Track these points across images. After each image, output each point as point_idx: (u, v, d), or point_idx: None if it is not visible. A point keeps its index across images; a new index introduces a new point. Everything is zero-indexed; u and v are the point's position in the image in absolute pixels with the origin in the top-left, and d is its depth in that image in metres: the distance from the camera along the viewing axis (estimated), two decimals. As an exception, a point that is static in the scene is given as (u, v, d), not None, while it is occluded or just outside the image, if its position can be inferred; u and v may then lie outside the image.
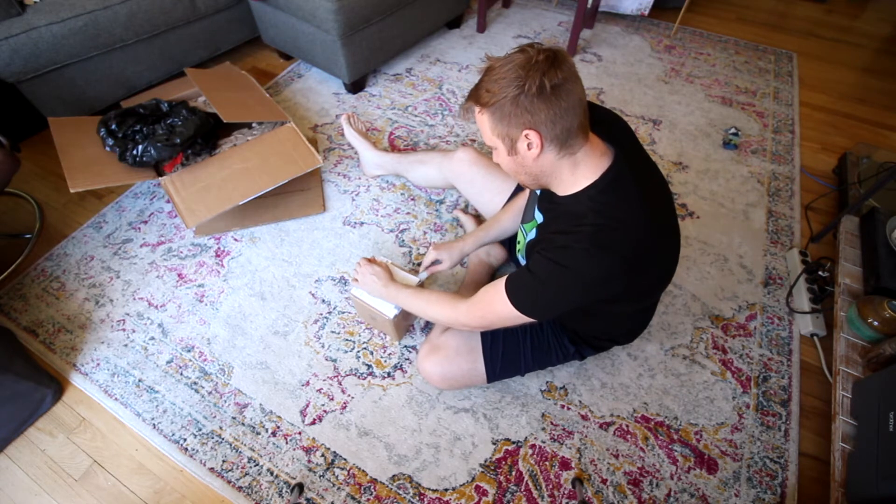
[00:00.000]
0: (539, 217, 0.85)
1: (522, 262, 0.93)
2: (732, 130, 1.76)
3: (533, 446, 1.06)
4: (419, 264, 1.38)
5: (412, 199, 1.56)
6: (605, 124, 0.76)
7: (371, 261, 1.11)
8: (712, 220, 1.51)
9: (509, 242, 1.23)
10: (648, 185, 0.75)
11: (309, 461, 1.04)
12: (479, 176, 1.26)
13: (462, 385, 1.09)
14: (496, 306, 0.80)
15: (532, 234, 0.86)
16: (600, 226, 0.68)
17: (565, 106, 0.64)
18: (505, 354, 1.02)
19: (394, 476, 1.02)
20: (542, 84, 0.62)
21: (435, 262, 1.14)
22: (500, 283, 0.80)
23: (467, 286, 1.25)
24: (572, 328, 1.00)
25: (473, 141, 1.76)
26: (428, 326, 1.25)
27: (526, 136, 0.66)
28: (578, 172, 0.71)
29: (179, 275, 1.37)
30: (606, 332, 1.00)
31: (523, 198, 1.08)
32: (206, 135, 1.47)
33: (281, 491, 1.00)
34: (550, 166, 0.71)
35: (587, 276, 0.69)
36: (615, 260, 0.67)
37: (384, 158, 1.51)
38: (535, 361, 1.04)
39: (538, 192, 0.87)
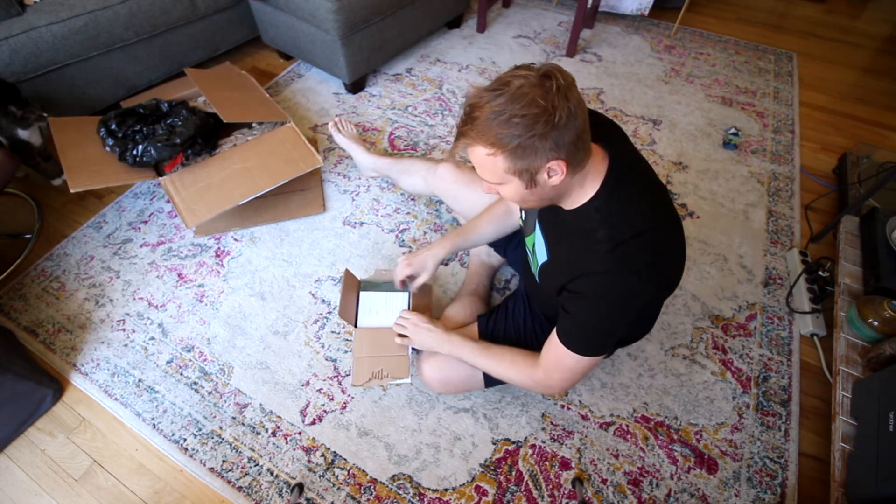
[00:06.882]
0: (538, 231, 0.83)
1: (538, 279, 0.90)
2: (732, 130, 1.76)
3: (533, 446, 1.06)
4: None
5: (412, 199, 1.56)
6: (601, 126, 0.75)
7: (416, 310, 1.02)
8: (712, 220, 1.51)
9: (504, 248, 1.20)
10: (647, 182, 0.75)
11: (309, 461, 1.04)
12: (463, 193, 1.23)
13: (460, 390, 1.09)
14: (566, 362, 0.79)
15: (543, 257, 0.83)
16: (616, 241, 0.66)
17: (581, 125, 0.61)
18: None
19: (394, 476, 1.03)
20: (570, 111, 0.58)
21: (411, 278, 1.08)
22: (554, 340, 0.79)
23: (468, 288, 1.25)
24: None
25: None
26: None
27: (549, 167, 0.62)
28: (586, 183, 0.70)
29: (179, 275, 1.37)
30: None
31: (502, 204, 1.06)
32: (206, 135, 1.47)
33: (281, 491, 1.00)
34: (565, 187, 0.68)
35: (622, 295, 0.68)
36: (641, 270, 0.66)
37: (377, 162, 1.51)
38: None
39: None
